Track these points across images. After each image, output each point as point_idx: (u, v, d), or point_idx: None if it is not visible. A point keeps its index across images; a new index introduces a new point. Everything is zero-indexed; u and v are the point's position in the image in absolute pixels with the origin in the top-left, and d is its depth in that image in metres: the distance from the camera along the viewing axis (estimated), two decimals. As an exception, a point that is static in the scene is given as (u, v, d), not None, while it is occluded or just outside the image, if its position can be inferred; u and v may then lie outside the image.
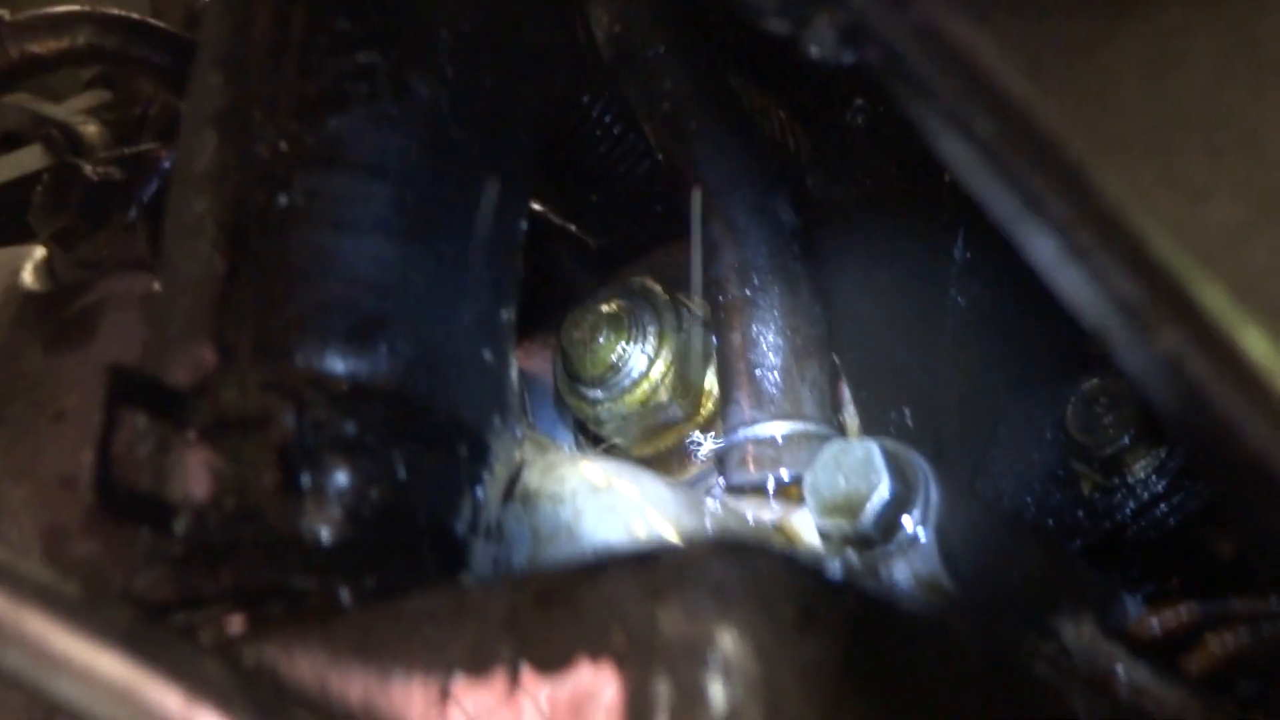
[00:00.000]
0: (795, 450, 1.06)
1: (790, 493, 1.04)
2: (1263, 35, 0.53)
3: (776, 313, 1.10)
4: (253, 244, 0.77)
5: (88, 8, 1.28)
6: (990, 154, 0.56)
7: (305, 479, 0.72)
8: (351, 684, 0.59)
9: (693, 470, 1.20)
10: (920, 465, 0.83)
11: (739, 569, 0.51)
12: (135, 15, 1.30)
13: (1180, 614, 0.79)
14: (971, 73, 0.55)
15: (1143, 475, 1.08)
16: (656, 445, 1.22)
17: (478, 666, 0.55)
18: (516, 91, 0.91)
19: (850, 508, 0.82)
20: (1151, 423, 1.08)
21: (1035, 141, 0.54)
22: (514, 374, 0.87)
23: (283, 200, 0.77)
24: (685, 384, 1.20)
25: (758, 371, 1.09)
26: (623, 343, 1.19)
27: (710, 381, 1.20)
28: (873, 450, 0.82)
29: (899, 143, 1.16)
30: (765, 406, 1.08)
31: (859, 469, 0.82)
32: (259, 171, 0.79)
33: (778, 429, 1.07)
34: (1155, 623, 0.80)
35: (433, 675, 0.56)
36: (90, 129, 1.58)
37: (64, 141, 1.56)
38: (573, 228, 1.39)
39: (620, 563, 0.55)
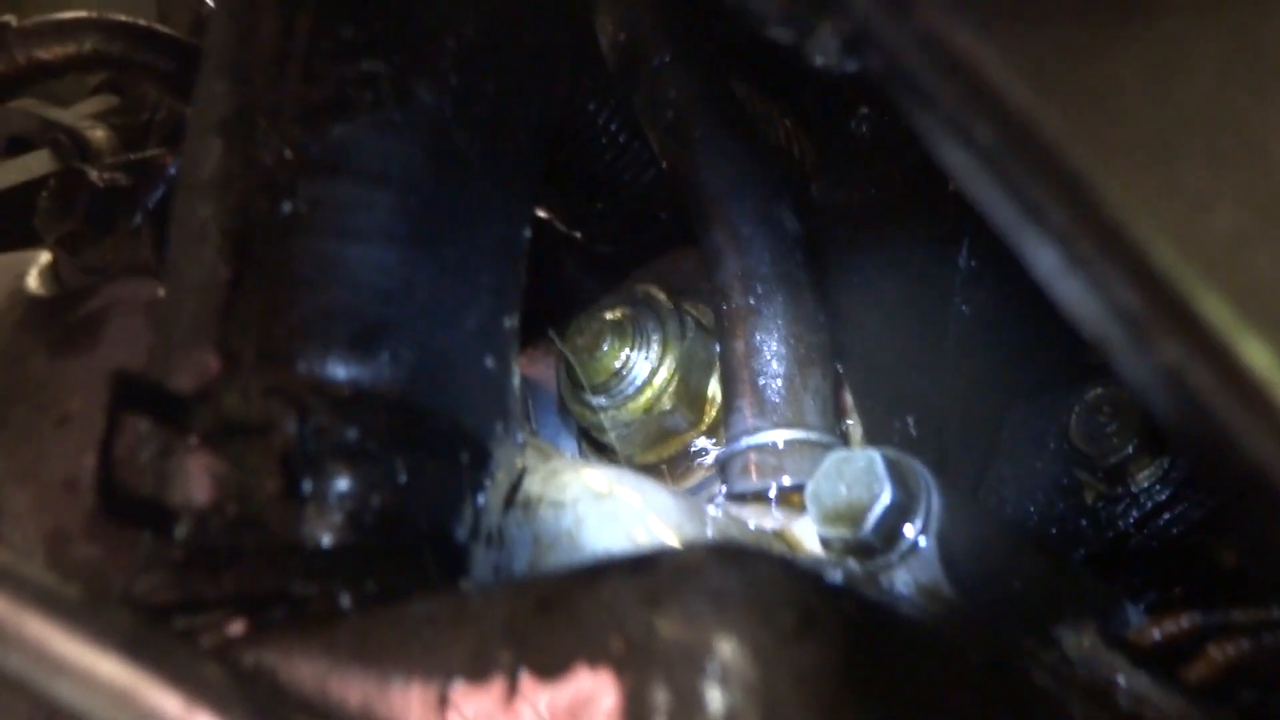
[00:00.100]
0: (797, 458, 1.06)
1: (792, 500, 1.04)
2: (1265, 42, 0.53)
3: (780, 321, 1.10)
4: (257, 251, 0.78)
5: (94, 14, 1.29)
6: (991, 162, 0.56)
7: (307, 485, 0.72)
8: (351, 689, 0.59)
9: (695, 478, 1.20)
10: (922, 474, 0.82)
11: (737, 575, 0.51)
12: (142, 21, 1.31)
13: (1181, 623, 0.79)
14: (973, 80, 0.55)
15: (1146, 484, 1.08)
16: (660, 452, 1.22)
17: (477, 672, 0.55)
18: (520, 98, 0.91)
19: (852, 516, 0.81)
20: (1155, 432, 1.08)
21: (1036, 149, 0.54)
22: (517, 381, 0.87)
23: (287, 207, 0.78)
24: (689, 391, 1.20)
25: (761, 379, 1.09)
26: (627, 350, 1.20)
27: (713, 389, 1.21)
28: (875, 459, 0.82)
29: (903, 151, 1.16)
30: (768, 414, 1.08)
31: (861, 477, 0.82)
32: (263, 178, 0.79)
33: (780, 437, 1.07)
34: (1156, 632, 0.80)
35: (432, 681, 0.56)
36: (97, 134, 1.60)
37: (71, 146, 1.57)
38: (577, 235, 1.39)
39: (619, 569, 0.55)
